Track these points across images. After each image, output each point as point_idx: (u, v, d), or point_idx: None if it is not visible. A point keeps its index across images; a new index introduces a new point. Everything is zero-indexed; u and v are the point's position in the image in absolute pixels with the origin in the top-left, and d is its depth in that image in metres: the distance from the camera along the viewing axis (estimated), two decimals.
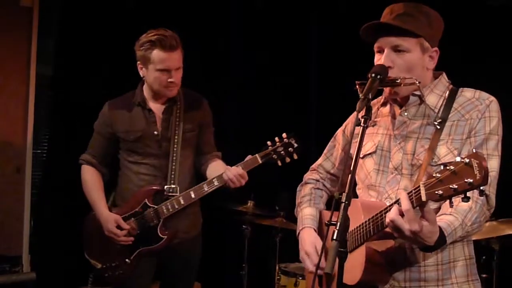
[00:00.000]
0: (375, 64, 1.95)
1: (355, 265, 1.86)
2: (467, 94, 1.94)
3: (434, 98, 1.96)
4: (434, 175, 1.55)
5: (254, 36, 4.69)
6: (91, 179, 3.05)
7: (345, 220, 1.64)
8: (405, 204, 1.63)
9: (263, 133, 4.60)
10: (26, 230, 4.00)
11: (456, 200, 1.58)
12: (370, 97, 1.78)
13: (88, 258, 3.01)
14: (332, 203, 1.71)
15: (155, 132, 2.94)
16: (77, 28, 4.10)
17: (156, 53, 2.80)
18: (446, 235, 1.71)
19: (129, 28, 4.05)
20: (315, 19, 4.78)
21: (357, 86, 1.88)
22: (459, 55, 3.62)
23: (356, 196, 2.09)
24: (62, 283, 3.96)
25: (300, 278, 3.85)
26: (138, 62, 2.90)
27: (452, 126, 1.89)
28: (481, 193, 1.48)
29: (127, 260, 2.93)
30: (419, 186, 1.60)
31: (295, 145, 2.93)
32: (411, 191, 1.64)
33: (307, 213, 2.23)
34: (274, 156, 2.92)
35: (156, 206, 2.92)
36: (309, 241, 2.13)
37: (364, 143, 2.03)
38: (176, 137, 2.93)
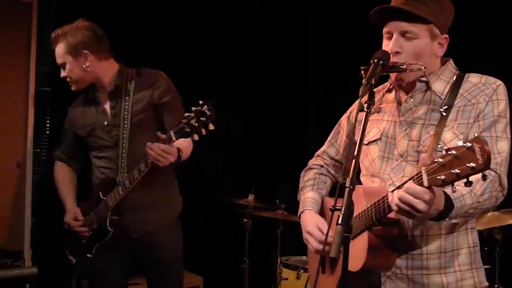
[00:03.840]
0: (383, 48, 1.94)
1: (357, 251, 1.85)
2: (473, 79, 1.93)
3: (441, 84, 1.95)
4: (436, 160, 1.54)
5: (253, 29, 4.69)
6: (61, 174, 3.10)
7: (350, 205, 1.63)
8: (409, 183, 1.62)
9: (259, 124, 4.62)
10: (28, 225, 3.98)
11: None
12: (372, 82, 1.77)
13: (67, 254, 3.02)
14: (337, 189, 1.70)
15: (105, 123, 2.90)
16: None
17: None
18: (453, 198, 1.69)
19: (128, 24, 4.06)
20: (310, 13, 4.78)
21: (362, 72, 1.85)
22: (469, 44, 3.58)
23: (360, 183, 2.08)
24: (63, 278, 3.95)
25: (302, 271, 3.85)
26: None
27: (458, 111, 1.88)
28: (484, 177, 1.47)
29: (88, 255, 2.89)
30: (421, 172, 1.59)
31: (208, 113, 2.47)
32: (413, 177, 1.63)
33: (309, 196, 2.21)
34: (187, 129, 2.50)
35: (105, 198, 2.87)
36: (310, 221, 2.10)
37: (368, 130, 2.04)
38: (125, 123, 2.85)
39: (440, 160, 1.53)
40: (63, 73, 2.91)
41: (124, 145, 2.84)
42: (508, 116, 1.87)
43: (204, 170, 4.38)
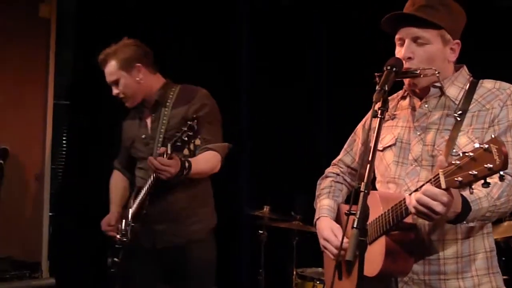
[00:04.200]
0: (396, 55, 1.96)
1: (375, 256, 1.85)
2: (487, 85, 1.95)
3: (455, 90, 1.96)
4: (453, 162, 1.55)
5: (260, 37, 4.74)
6: (113, 182, 3.27)
7: (365, 209, 1.65)
8: (427, 185, 1.63)
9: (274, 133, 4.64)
10: (45, 237, 4.04)
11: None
12: (386, 88, 1.79)
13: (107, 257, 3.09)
14: (351, 195, 1.72)
15: (143, 136, 3.02)
16: (94, 39, 4.15)
17: None
18: (470, 201, 1.69)
19: (148, 40, 4.12)
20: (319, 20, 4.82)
21: (376, 79, 1.87)
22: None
23: (375, 190, 2.09)
24: None
25: (318, 282, 3.83)
26: None
27: (473, 116, 1.89)
28: (501, 178, 1.48)
29: (115, 259, 2.98)
30: (438, 174, 1.59)
31: (196, 128, 2.61)
32: (431, 179, 1.64)
33: (325, 203, 2.22)
34: (179, 143, 2.63)
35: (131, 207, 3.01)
36: (326, 227, 2.11)
37: (383, 136, 2.06)
38: (160, 136, 2.94)
39: (458, 162, 1.53)
40: (115, 91, 3.00)
41: (154, 154, 2.90)
42: None
43: (219, 181, 4.41)
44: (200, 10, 4.50)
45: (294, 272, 4.01)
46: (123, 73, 2.95)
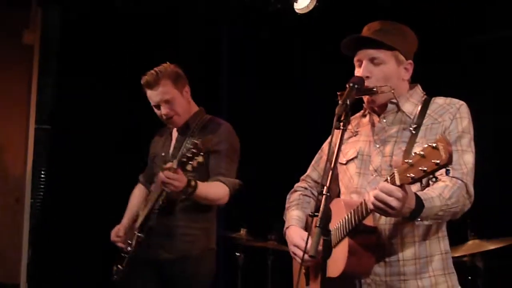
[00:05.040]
0: (355, 75, 2.15)
1: (338, 258, 1.99)
2: (439, 101, 2.15)
3: (410, 106, 2.15)
4: (406, 161, 1.72)
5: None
6: (134, 193, 3.42)
7: (327, 210, 1.79)
8: (383, 182, 1.79)
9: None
10: (24, 259, 4.09)
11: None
12: (348, 103, 1.97)
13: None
14: (316, 198, 1.86)
15: (163, 154, 3.18)
16: (77, 66, 4.31)
17: (147, 93, 3.09)
18: (423, 199, 1.85)
19: (131, 66, 4.26)
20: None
21: (338, 97, 2.05)
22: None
23: None
24: None
25: None
26: None
27: (427, 129, 2.07)
28: (447, 172, 1.65)
29: (119, 266, 3.10)
30: (394, 172, 1.76)
31: (201, 147, 2.71)
32: (387, 178, 1.80)
33: (294, 214, 2.37)
34: (184, 159, 2.74)
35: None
36: (295, 235, 2.25)
37: (347, 150, 2.24)
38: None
39: (410, 161, 1.71)
40: (166, 110, 3.06)
41: None
42: (471, 132, 2.07)
43: None
44: (183, 35, 4.67)
45: None
46: (176, 91, 3.07)
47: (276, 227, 4.11)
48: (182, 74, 3.13)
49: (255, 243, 4.18)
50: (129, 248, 3.08)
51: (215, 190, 3.01)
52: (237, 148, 3.15)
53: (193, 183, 2.87)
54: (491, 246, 3.51)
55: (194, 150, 2.71)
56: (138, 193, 3.41)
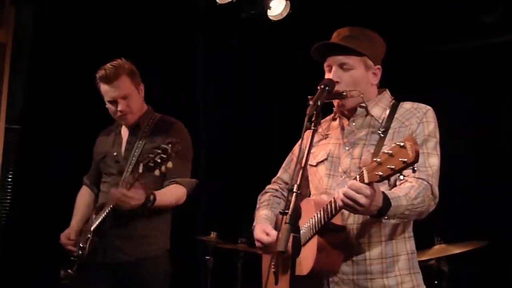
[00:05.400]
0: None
1: (308, 256, 2.03)
2: (406, 105, 2.21)
3: (378, 110, 2.21)
4: (375, 159, 1.77)
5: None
6: (79, 196, 3.35)
7: (297, 208, 1.83)
8: (352, 181, 1.84)
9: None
10: None
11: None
12: (319, 103, 2.02)
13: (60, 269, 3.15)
14: (286, 196, 1.90)
15: (115, 153, 3.12)
16: (49, 65, 4.27)
17: (102, 87, 3.04)
18: (390, 198, 1.90)
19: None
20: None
21: (309, 100, 2.09)
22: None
23: None
24: None
25: None
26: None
27: (394, 132, 2.13)
28: (414, 170, 1.71)
29: (69, 270, 3.05)
30: (363, 171, 1.81)
31: (170, 152, 2.69)
32: (356, 177, 1.85)
33: (263, 213, 2.41)
34: (151, 164, 2.71)
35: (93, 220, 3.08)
36: (259, 230, 2.30)
37: (317, 152, 2.28)
38: (133, 157, 3.03)
39: (378, 159, 1.76)
40: (122, 107, 3.01)
41: (125, 176, 2.99)
42: (437, 136, 2.14)
43: None
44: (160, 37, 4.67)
45: None
46: (133, 87, 3.04)
47: (246, 230, 4.16)
48: (137, 71, 3.09)
49: (225, 245, 4.19)
50: (80, 252, 3.02)
51: (174, 194, 3.01)
52: (191, 147, 3.15)
53: (151, 197, 2.88)
54: (457, 250, 3.61)
55: (163, 156, 2.69)
56: (84, 195, 3.35)
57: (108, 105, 3.07)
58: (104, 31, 4.36)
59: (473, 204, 4.14)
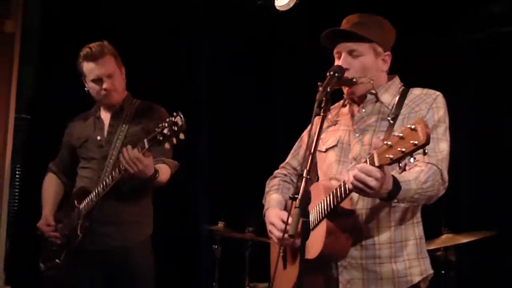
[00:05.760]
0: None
1: (316, 239, 2.05)
2: (416, 91, 2.22)
3: (388, 96, 2.22)
4: (385, 142, 1.77)
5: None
6: (47, 184, 3.32)
7: (306, 192, 1.84)
8: (362, 163, 1.85)
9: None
10: (2, 248, 4.05)
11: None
12: (328, 90, 2.04)
13: (39, 262, 3.14)
14: (296, 181, 1.91)
15: (98, 138, 3.10)
16: (58, 55, 4.29)
17: (86, 66, 3.03)
18: (400, 181, 1.91)
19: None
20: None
21: (319, 86, 2.10)
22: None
23: None
24: None
25: None
26: (81, 78, 3.10)
27: (404, 118, 2.14)
28: (424, 152, 1.72)
29: (57, 260, 3.03)
30: (373, 154, 1.82)
31: (180, 123, 2.68)
32: (366, 160, 1.86)
33: (274, 197, 2.42)
34: (159, 137, 2.71)
35: (78, 206, 3.03)
36: (273, 214, 2.31)
37: (327, 139, 2.30)
38: (117, 141, 3.04)
39: (389, 142, 1.77)
40: (107, 84, 3.02)
41: (110, 160, 3.02)
42: (447, 121, 2.14)
43: (174, 196, 4.54)
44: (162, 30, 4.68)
45: (246, 285, 4.14)
46: (118, 69, 3.06)
47: (254, 219, 4.18)
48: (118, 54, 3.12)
49: (233, 234, 4.21)
50: (67, 240, 3.00)
51: (165, 173, 3.04)
52: None
53: (158, 172, 2.91)
54: (464, 239, 3.61)
55: (174, 128, 2.67)
56: (52, 183, 3.31)
57: (90, 85, 3.06)
58: (112, 20, 4.38)
59: (480, 194, 4.14)
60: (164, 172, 3.02)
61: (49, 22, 4.34)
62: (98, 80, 3.03)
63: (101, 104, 3.16)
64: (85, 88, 3.11)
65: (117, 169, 2.87)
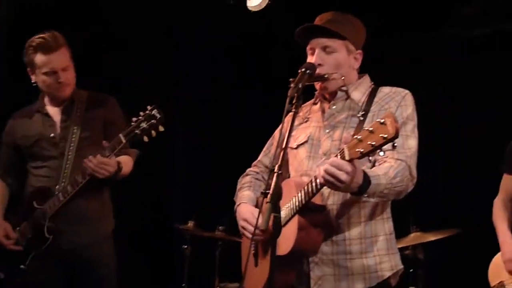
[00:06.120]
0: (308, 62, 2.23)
1: (288, 235, 2.05)
2: (385, 90, 2.25)
3: (358, 94, 2.25)
4: (355, 136, 1.79)
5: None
6: None
7: (278, 188, 1.85)
8: (333, 157, 1.86)
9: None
10: None
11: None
12: (300, 86, 2.05)
13: None
14: (267, 176, 1.91)
15: (52, 135, 2.99)
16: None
17: (39, 57, 2.89)
18: (370, 176, 1.93)
19: (87, 50, 4.17)
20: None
21: (291, 83, 2.11)
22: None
23: None
24: None
25: None
26: (28, 69, 2.97)
27: (374, 115, 2.16)
28: (393, 146, 1.74)
29: (22, 266, 2.91)
30: (343, 148, 1.83)
31: (158, 115, 2.66)
32: (337, 154, 1.87)
33: (246, 194, 2.42)
34: (137, 131, 2.68)
35: (42, 206, 2.92)
36: (246, 210, 2.31)
37: (298, 135, 2.31)
38: (73, 136, 2.96)
39: (359, 136, 1.79)
40: (64, 77, 2.92)
41: (69, 156, 2.94)
42: (415, 119, 2.18)
43: (145, 195, 4.50)
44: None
45: (216, 285, 4.12)
46: (71, 62, 2.97)
47: (224, 219, 4.16)
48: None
49: (203, 233, 4.19)
50: (31, 244, 2.89)
51: (128, 164, 3.00)
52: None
53: (120, 165, 2.87)
54: (432, 237, 3.67)
55: (152, 121, 2.66)
56: None
57: (42, 78, 2.93)
58: (85, 15, 4.32)
59: (449, 191, 4.22)
60: (127, 162, 2.98)
61: (17, 15, 4.25)
62: (52, 73, 2.92)
63: (49, 98, 3.03)
64: (32, 81, 2.98)
65: (80, 175, 2.81)
